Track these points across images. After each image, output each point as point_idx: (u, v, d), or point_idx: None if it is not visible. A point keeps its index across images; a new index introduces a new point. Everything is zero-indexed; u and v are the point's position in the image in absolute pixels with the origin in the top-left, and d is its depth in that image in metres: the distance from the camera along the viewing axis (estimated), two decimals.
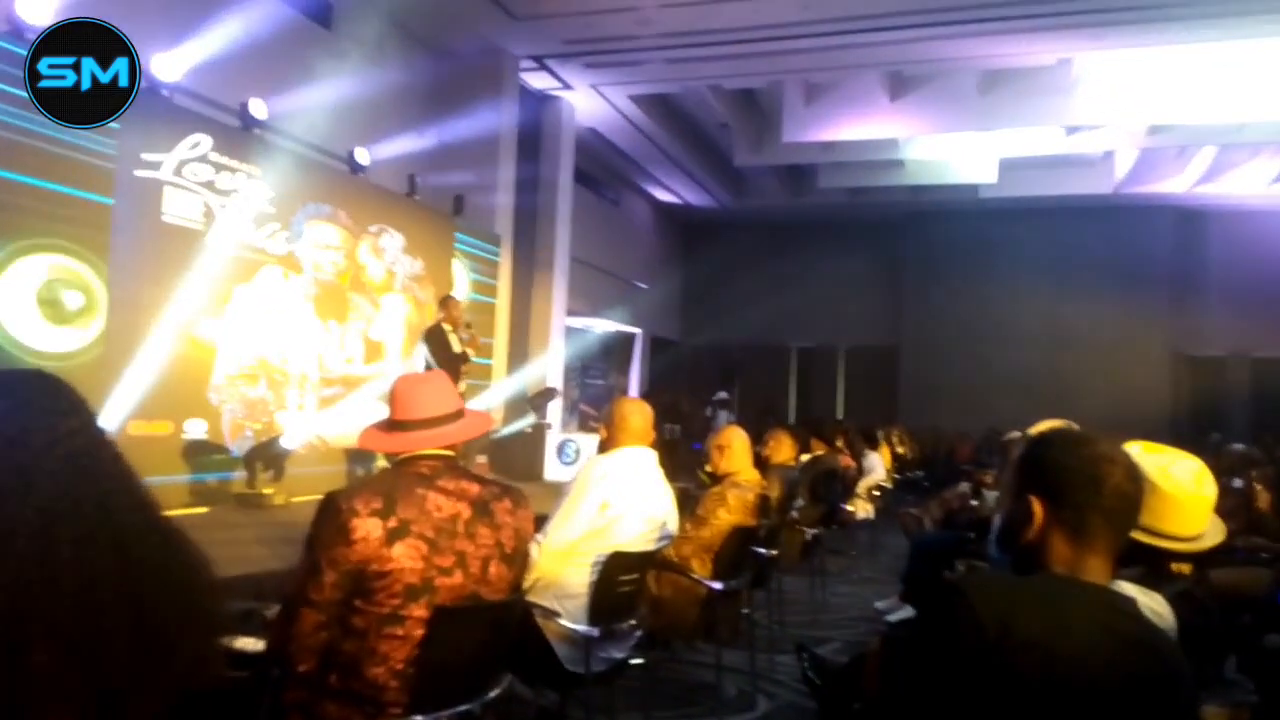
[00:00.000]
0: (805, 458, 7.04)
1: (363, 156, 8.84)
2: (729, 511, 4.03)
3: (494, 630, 2.22)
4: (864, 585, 7.06)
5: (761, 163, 14.90)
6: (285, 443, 7.46)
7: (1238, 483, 5.92)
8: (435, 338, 7.78)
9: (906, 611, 5.57)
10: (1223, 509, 5.08)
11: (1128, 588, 1.85)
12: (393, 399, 2.25)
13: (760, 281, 18.07)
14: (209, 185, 6.92)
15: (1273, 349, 16.15)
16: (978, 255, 17.27)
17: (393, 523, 2.01)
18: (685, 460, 11.20)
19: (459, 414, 2.25)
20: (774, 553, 4.68)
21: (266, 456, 7.24)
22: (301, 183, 7.89)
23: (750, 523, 4.11)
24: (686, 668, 4.47)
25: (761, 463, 5.68)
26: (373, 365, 8.85)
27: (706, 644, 4.15)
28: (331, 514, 2.00)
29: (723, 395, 16.08)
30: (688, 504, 4.53)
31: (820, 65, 11.50)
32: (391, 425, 2.23)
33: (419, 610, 2.02)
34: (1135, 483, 1.47)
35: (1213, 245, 16.52)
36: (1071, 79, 11.12)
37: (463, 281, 10.23)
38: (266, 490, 7.02)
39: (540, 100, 12.14)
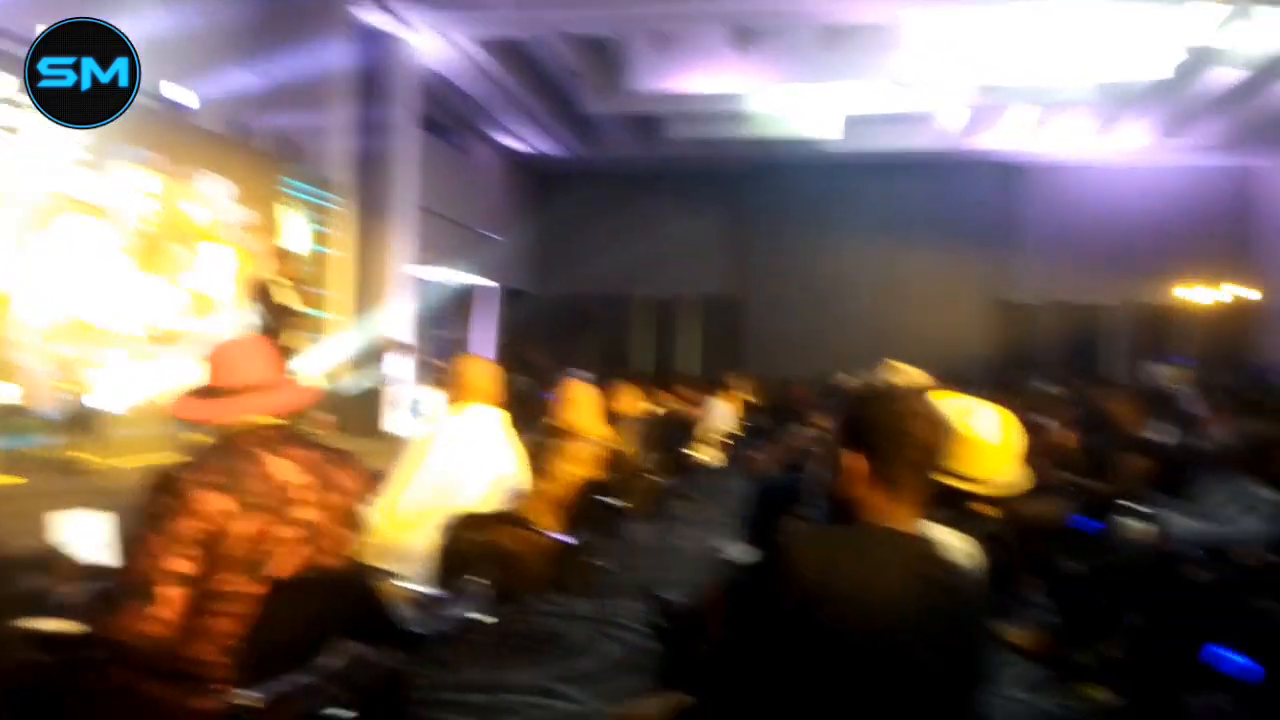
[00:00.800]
0: (653, 408, 7.17)
1: (184, 96, 8.18)
2: (576, 465, 4.07)
3: (334, 598, 2.18)
4: (710, 529, 7.29)
5: (611, 111, 14.82)
6: (105, 404, 6.97)
7: (1049, 423, 6.46)
8: (268, 292, 7.41)
9: (750, 553, 5.80)
10: (1035, 448, 5.53)
11: (940, 531, 2.00)
12: (211, 364, 2.15)
13: (613, 232, 18.09)
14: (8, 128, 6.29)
15: (1081, 295, 17.55)
16: (821, 208, 17.86)
17: (237, 496, 1.94)
18: (537, 412, 11.19)
19: (281, 380, 2.17)
20: (622, 503, 4.78)
21: (85, 419, 6.76)
22: (115, 122, 7.26)
23: (598, 475, 4.17)
24: (535, 620, 4.52)
25: (610, 415, 5.74)
26: (200, 320, 8.36)
27: (556, 596, 4.21)
28: (172, 490, 1.91)
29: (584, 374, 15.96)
30: (539, 457, 4.55)
31: (666, 14, 11.49)
32: (210, 392, 2.13)
33: (256, 584, 1.96)
34: (936, 434, 1.58)
35: (1031, 199, 17.70)
36: (905, 36, 11.55)
37: (299, 231, 9.75)
38: (87, 455, 6.56)
39: (380, 40, 11.59)
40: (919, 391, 2.55)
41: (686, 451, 7.40)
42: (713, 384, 10.04)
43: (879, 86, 12.95)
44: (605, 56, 13.63)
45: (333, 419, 9.76)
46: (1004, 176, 17.41)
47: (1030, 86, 13.17)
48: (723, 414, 9.15)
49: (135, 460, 6.99)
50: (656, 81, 12.79)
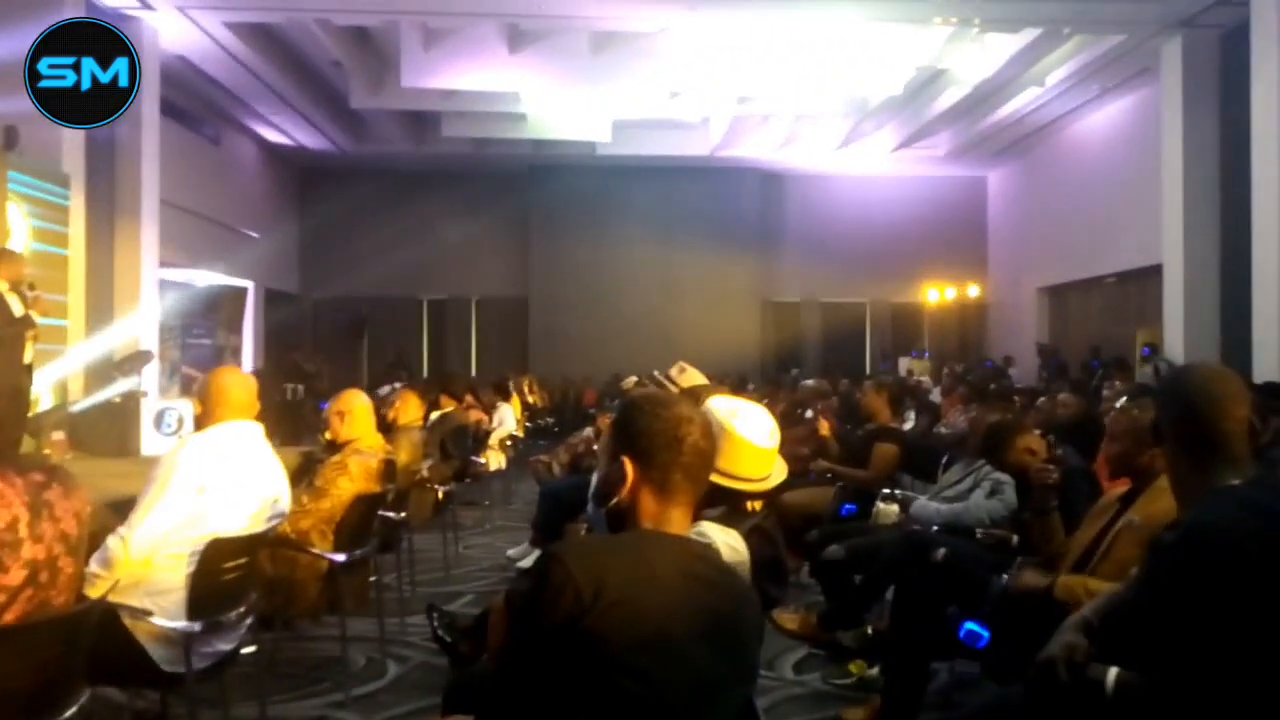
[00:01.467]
0: (434, 415, 6.99)
1: None
2: (351, 480, 3.88)
3: (65, 643, 1.95)
4: (498, 534, 7.22)
5: (380, 106, 14.32)
6: None
7: (809, 414, 6.89)
8: None
9: (537, 556, 5.78)
10: (796, 438, 5.85)
11: (710, 528, 2.07)
12: None
13: (388, 231, 17.50)
14: None
15: (835, 294, 18.94)
16: (596, 209, 18.15)
17: None
18: (311, 422, 10.62)
19: None
20: (402, 515, 4.61)
21: None
22: None
23: (375, 489, 3.99)
24: (310, 645, 4.27)
25: (388, 425, 5.53)
26: None
27: (332, 618, 3.99)
28: None
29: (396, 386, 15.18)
30: (309, 469, 4.30)
31: (435, 9, 11.24)
32: None
33: None
34: (709, 439, 1.62)
35: (789, 204, 18.88)
36: (671, 46, 11.95)
37: (21, 230, 8.67)
38: None
39: (114, 19, 10.51)
40: (701, 396, 2.64)
41: (472, 457, 7.27)
42: (495, 386, 9.92)
43: (647, 93, 13.34)
44: (372, 49, 13.15)
45: (64, 438, 8.79)
46: (764, 183, 18.46)
47: (784, 98, 14.04)
48: (505, 417, 9.07)
49: None
50: (427, 77, 12.47)
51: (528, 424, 11.16)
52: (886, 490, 4.35)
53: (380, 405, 5.42)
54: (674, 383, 4.04)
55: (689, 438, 1.58)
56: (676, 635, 1.43)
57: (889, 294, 19.01)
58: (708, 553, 1.59)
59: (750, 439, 2.18)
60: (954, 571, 3.05)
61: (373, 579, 4.31)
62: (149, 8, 10.43)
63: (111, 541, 2.71)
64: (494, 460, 8.37)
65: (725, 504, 2.17)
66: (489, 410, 8.86)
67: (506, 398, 9.66)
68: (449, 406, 7.62)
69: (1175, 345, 10.87)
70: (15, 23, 8.67)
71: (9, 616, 1.78)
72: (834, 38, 11.61)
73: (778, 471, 2.24)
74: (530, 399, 13.22)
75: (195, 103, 13.77)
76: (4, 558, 1.76)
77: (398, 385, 10.34)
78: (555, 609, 1.39)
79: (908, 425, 7.23)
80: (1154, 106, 11.89)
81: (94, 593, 2.52)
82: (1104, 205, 14.32)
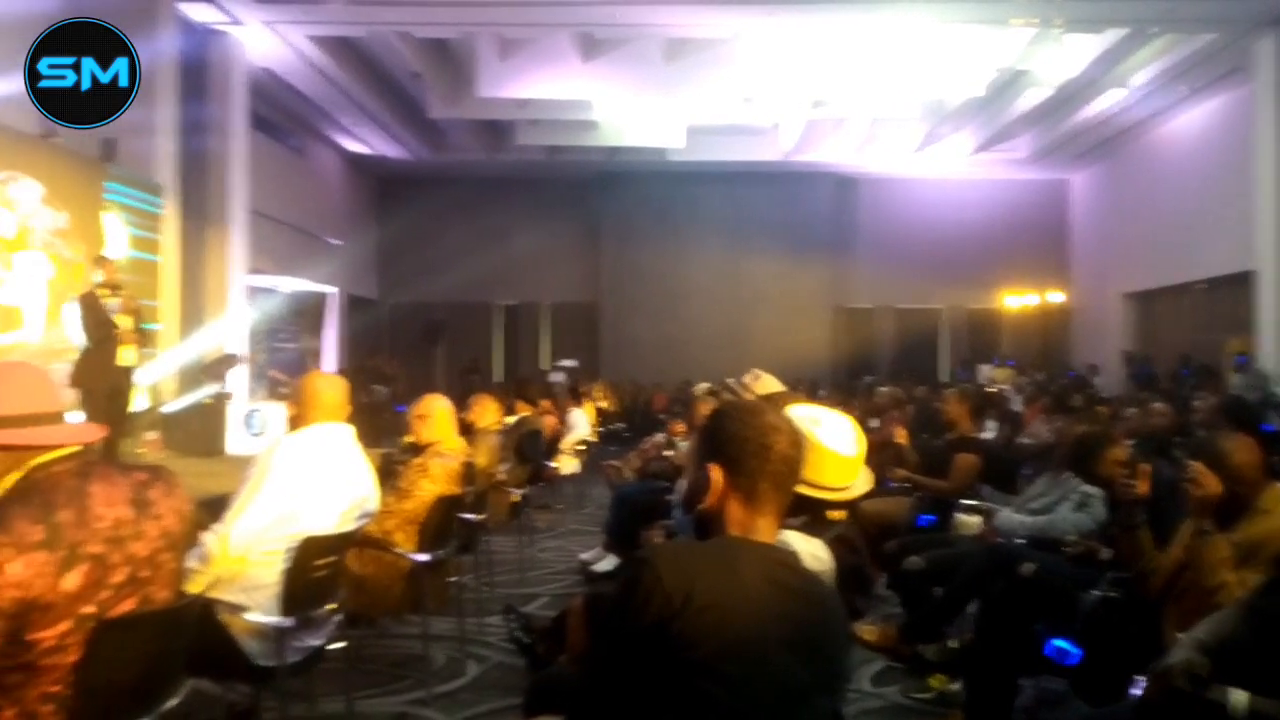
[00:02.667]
0: (510, 419, 7.08)
1: None
2: (433, 482, 3.96)
3: (168, 636, 2.02)
4: (571, 538, 7.29)
5: (457, 116, 14.58)
6: None
7: (875, 423, 6.80)
8: (88, 304, 6.84)
9: (610, 561, 5.82)
10: (871, 446, 5.77)
11: (793, 537, 2.06)
12: None
13: (462, 238, 17.80)
14: None
15: (910, 300, 18.63)
16: (667, 215, 18.19)
17: (62, 551, 1.73)
18: (390, 424, 10.86)
19: (63, 409, 1.95)
20: (480, 517, 4.69)
21: None
22: None
23: (455, 491, 4.07)
24: (393, 642, 4.38)
25: (466, 428, 5.63)
26: (7, 334, 7.65)
27: (414, 616, 4.08)
28: None
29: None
30: (390, 471, 4.40)
31: (511, 20, 11.42)
32: None
33: (84, 633, 1.78)
34: (797, 448, 1.62)
35: (863, 209, 18.64)
36: (745, 52, 11.92)
37: (119, 238, 9.08)
38: None
39: (205, 35, 10.96)
40: (777, 404, 2.63)
41: (546, 462, 7.35)
42: (569, 391, 10.02)
43: (719, 98, 13.32)
44: (449, 60, 13.41)
45: (157, 438, 9.16)
46: (837, 187, 18.25)
47: (859, 102, 13.88)
48: (579, 421, 9.15)
49: None
50: (503, 87, 12.67)
51: (599, 429, 11.23)
52: (967, 501, 4.26)
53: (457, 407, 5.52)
54: (748, 390, 4.00)
55: (777, 446, 1.58)
56: (763, 642, 1.44)
57: (966, 300, 18.62)
58: (794, 561, 1.58)
59: (834, 447, 2.16)
60: (1041, 586, 2.98)
61: (452, 579, 4.39)
62: (238, 23, 10.83)
63: (209, 538, 2.81)
64: (566, 465, 8.44)
65: (807, 513, 2.16)
66: (563, 415, 8.94)
67: (579, 403, 9.74)
68: (524, 411, 7.71)
69: (1269, 354, 10.46)
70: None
71: (115, 611, 1.85)
72: (912, 40, 11.44)
73: (862, 480, 2.22)
74: (601, 404, 13.30)
75: (281, 115, 14.24)
76: (110, 554, 1.83)
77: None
78: (644, 612, 1.41)
79: (988, 435, 7.07)
80: (1245, 107, 11.43)
81: (192, 588, 2.62)
82: (1193, 209, 13.81)
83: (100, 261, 7.23)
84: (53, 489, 1.81)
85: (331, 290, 16.31)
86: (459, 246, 17.65)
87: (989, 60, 12.02)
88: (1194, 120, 14.02)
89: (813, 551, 2.02)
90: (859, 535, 2.29)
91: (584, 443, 9.12)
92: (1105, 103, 13.50)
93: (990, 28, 11.12)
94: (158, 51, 9.61)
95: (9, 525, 1.71)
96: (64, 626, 1.75)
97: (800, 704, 1.51)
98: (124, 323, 6.96)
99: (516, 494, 6.02)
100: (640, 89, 12.93)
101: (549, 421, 8.10)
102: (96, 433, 2.03)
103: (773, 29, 11.23)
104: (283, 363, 13.65)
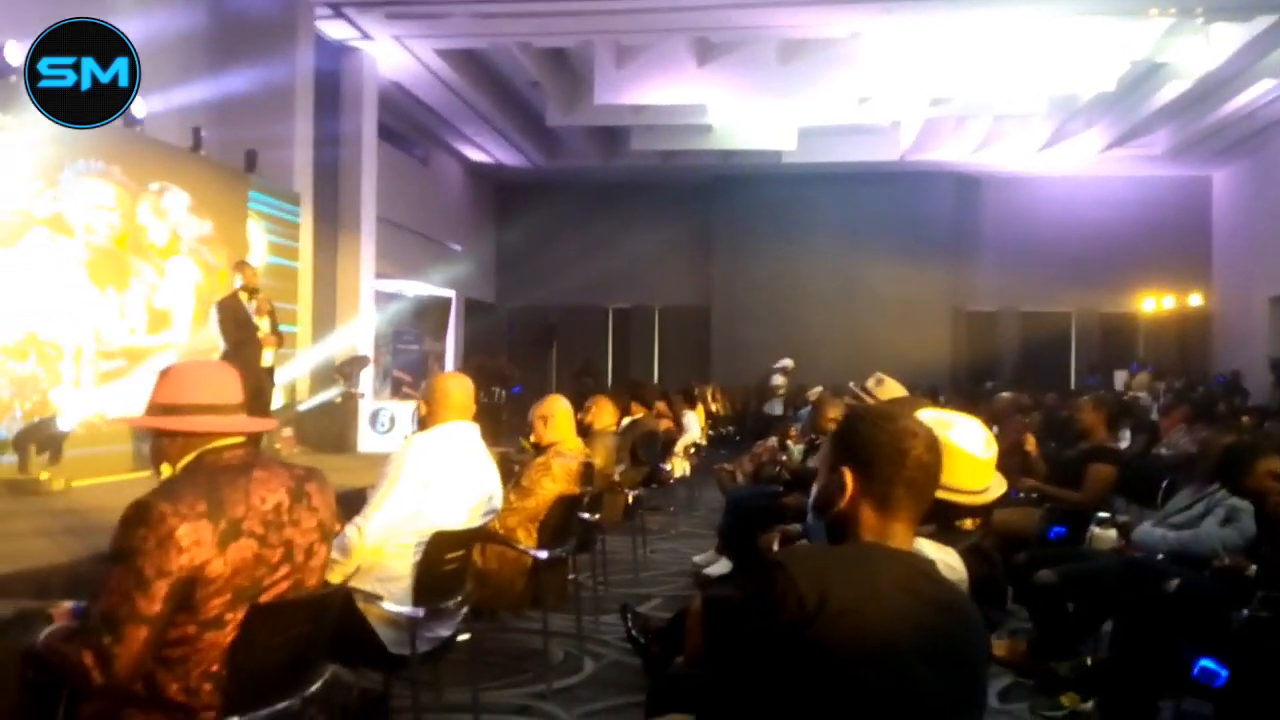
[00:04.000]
0: (625, 421, 7.16)
1: (138, 108, 8.02)
2: (554, 481, 4.05)
3: (315, 621, 2.14)
4: (683, 540, 7.31)
5: (574, 123, 14.84)
6: (61, 422, 6.80)
7: (1012, 430, 6.54)
8: (229, 307, 7.28)
9: (723, 564, 5.82)
10: (1000, 455, 5.57)
11: (925, 545, 2.02)
12: (171, 381, 2.07)
13: (576, 243, 18.07)
14: None
15: (1036, 303, 17.90)
16: (781, 218, 18.01)
17: (223, 524, 1.88)
18: (509, 424, 11.15)
19: (240, 403, 2.11)
20: (597, 517, 4.76)
21: (41, 438, 6.58)
22: (68, 135, 7.10)
23: (575, 490, 4.15)
24: (514, 636, 4.49)
25: (583, 429, 5.72)
26: (159, 335, 8.19)
27: (534, 612, 4.18)
28: (151, 522, 1.82)
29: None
30: (509, 470, 4.52)
31: (628, 27, 11.55)
32: (166, 410, 2.04)
33: (240, 610, 1.92)
34: (934, 454, 1.58)
35: (985, 209, 18.02)
36: (862, 51, 11.71)
37: (259, 244, 9.62)
38: (43, 475, 6.39)
39: (339, 51, 11.51)
40: (911, 408, 2.58)
41: (660, 464, 7.40)
42: (682, 394, 10.05)
43: (835, 100, 13.12)
44: (567, 68, 13.65)
45: (291, 435, 9.65)
46: (958, 187, 17.70)
47: (981, 99, 13.43)
48: (691, 424, 9.17)
49: (92, 479, 6.83)
50: (619, 94, 12.82)
51: (710, 432, 11.22)
52: (1103, 514, 4.07)
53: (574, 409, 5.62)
54: (871, 394, 3.93)
55: (913, 451, 1.55)
56: (900, 651, 1.40)
57: (1097, 303, 17.77)
58: (933, 570, 1.55)
59: (967, 448, 2.11)
60: (1186, 604, 2.82)
61: (570, 577, 4.48)
62: (369, 38, 11.32)
63: (349, 530, 2.96)
64: (679, 467, 8.47)
65: (938, 521, 2.11)
66: (677, 418, 8.98)
67: (693, 406, 9.76)
68: (639, 413, 7.78)
69: None
70: (250, 56, 9.68)
71: (271, 592, 1.98)
72: (1038, 33, 11.01)
73: (996, 484, 2.15)
74: (713, 407, 13.29)
75: (407, 126, 14.80)
76: (268, 535, 1.97)
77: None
78: (777, 616, 1.39)
79: (1123, 444, 6.73)
80: None
81: (333, 578, 2.75)
82: None
83: (240, 266, 7.67)
84: (220, 470, 1.97)
85: (452, 294, 16.82)
86: (574, 251, 17.93)
87: (1122, 53, 11.43)
88: None
89: (947, 561, 1.98)
90: (993, 545, 2.23)
91: (695, 445, 9.13)
92: (1251, 95, 12.65)
93: (1124, 20, 10.59)
94: (297, 68, 10.14)
95: (177, 496, 1.87)
96: (225, 599, 1.89)
97: (936, 718, 1.47)
98: (261, 325, 7.37)
99: (631, 495, 6.08)
100: (755, 92, 12.87)
101: (664, 424, 8.15)
102: (264, 425, 2.18)
103: (891, 27, 11.00)
104: (407, 364, 14.17)
